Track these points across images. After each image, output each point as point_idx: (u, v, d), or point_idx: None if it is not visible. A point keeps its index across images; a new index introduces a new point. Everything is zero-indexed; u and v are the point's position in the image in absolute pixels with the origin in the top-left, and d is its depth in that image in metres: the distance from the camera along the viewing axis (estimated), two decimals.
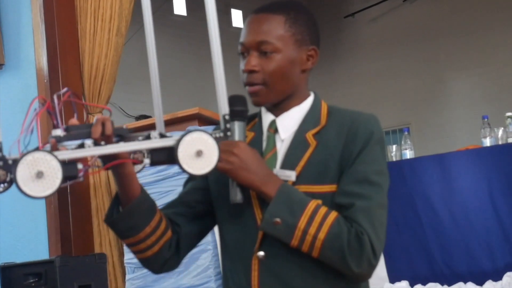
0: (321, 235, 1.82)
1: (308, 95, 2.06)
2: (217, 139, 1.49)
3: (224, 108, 1.48)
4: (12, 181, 1.46)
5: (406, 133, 5.97)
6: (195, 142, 1.46)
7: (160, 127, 1.72)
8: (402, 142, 5.83)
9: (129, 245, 1.99)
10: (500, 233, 4.69)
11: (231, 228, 2.00)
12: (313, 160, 1.93)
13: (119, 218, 1.91)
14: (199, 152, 1.45)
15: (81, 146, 1.48)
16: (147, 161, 1.54)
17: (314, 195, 1.88)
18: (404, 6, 12.77)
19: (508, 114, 5.38)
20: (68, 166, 1.41)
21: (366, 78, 13.07)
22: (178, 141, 1.42)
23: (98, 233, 4.85)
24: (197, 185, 2.08)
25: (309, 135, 1.97)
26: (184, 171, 1.44)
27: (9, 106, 4.81)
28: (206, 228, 2.12)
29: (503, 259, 4.65)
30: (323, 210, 1.84)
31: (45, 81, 4.49)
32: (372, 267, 1.87)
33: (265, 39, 1.94)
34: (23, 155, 1.34)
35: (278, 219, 1.82)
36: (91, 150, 1.45)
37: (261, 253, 1.91)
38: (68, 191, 4.73)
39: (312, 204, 1.85)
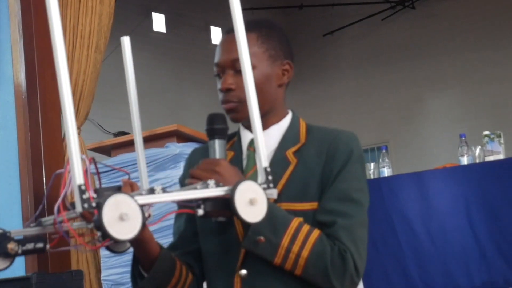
0: (305, 253, 1.82)
1: (286, 113, 2.08)
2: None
3: (264, 161, 1.52)
4: (16, 256, 1.51)
5: (384, 151, 5.98)
6: (247, 191, 1.50)
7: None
8: (380, 160, 5.84)
9: None
10: (477, 251, 4.72)
11: (213, 246, 2.00)
12: (293, 178, 1.94)
13: (147, 282, 1.89)
14: (252, 200, 1.49)
15: (151, 191, 1.49)
16: (200, 211, 1.56)
17: (295, 213, 1.88)
18: (383, 25, 12.87)
19: (485, 132, 5.41)
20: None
21: (344, 96, 13.14)
22: (234, 188, 1.47)
23: (75, 249, 4.81)
24: (186, 215, 2.08)
25: (289, 153, 1.97)
26: (239, 218, 1.47)
27: None
28: None
29: (480, 277, 4.67)
30: (306, 228, 1.84)
31: (23, 97, 4.46)
32: (354, 284, 1.87)
33: (239, 56, 1.95)
34: (105, 198, 1.33)
35: (261, 237, 1.81)
36: (162, 197, 1.47)
37: (244, 271, 1.90)
38: (45, 207, 4.69)
39: (295, 222, 1.84)
